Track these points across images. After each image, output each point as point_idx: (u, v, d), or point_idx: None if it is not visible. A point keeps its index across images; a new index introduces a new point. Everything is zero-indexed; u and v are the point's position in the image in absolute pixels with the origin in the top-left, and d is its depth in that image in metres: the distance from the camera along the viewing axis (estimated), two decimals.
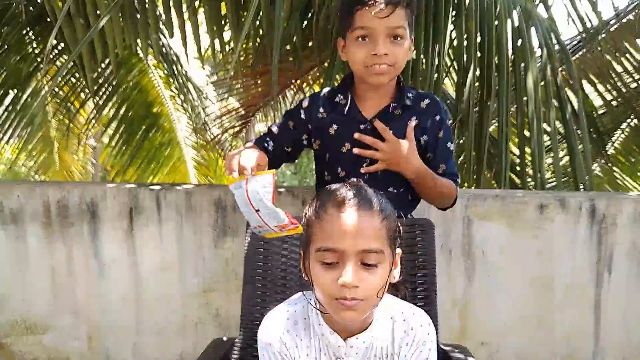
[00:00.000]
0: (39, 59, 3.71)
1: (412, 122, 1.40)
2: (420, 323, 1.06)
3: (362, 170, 1.41)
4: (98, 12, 2.42)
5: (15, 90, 4.00)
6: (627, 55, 4.02)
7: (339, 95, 1.47)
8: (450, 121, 1.51)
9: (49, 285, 2.03)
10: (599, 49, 3.90)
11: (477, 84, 2.51)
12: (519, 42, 2.50)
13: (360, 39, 1.33)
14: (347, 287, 0.91)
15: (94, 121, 4.62)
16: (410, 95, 1.44)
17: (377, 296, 0.95)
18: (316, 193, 1.04)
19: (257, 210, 1.23)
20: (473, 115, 2.45)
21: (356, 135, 1.39)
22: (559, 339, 1.98)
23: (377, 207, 0.96)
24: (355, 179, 1.06)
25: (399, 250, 1.02)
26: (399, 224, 1.02)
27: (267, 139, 1.50)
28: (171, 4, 2.46)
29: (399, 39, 1.33)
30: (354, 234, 0.93)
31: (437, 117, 1.44)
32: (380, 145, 1.37)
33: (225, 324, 2.01)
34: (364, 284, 0.93)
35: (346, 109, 1.44)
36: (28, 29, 3.51)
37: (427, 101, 1.45)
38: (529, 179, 2.90)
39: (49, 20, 3.27)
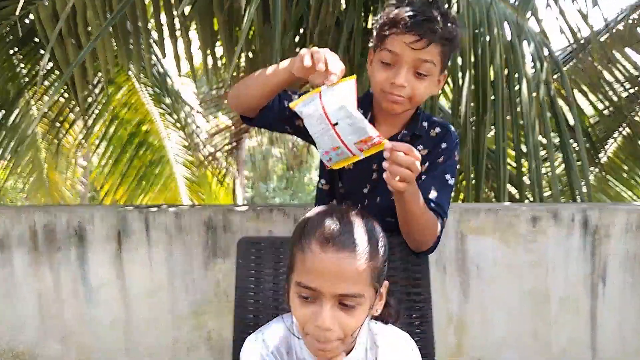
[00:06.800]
0: (27, 79, 3.69)
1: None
2: (404, 349, 1.04)
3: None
4: (89, 28, 2.42)
5: (4, 111, 3.97)
6: (618, 64, 4.07)
7: (359, 109, 1.41)
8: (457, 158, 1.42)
9: (36, 312, 2.00)
10: (590, 59, 3.93)
11: (472, 100, 2.52)
12: (512, 57, 2.52)
13: (384, 62, 1.26)
14: (321, 328, 0.90)
15: (83, 140, 4.60)
16: (424, 124, 1.38)
17: (351, 336, 0.94)
18: (305, 216, 1.00)
19: (335, 125, 1.08)
20: (470, 131, 2.46)
21: (389, 144, 1.14)
22: (556, 351, 1.96)
23: (364, 248, 0.92)
24: (351, 206, 1.01)
25: (385, 283, 1.00)
26: (387, 259, 0.99)
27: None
28: (163, 23, 2.46)
29: (423, 73, 1.24)
30: (333, 278, 0.90)
31: (443, 145, 1.37)
32: (415, 154, 1.12)
33: (217, 346, 1.97)
34: (340, 325, 0.91)
35: None
36: (16, 49, 3.50)
37: (437, 130, 1.38)
38: (527, 190, 2.91)
39: (37, 40, 3.27)
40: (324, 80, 1.10)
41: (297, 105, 1.13)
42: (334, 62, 1.11)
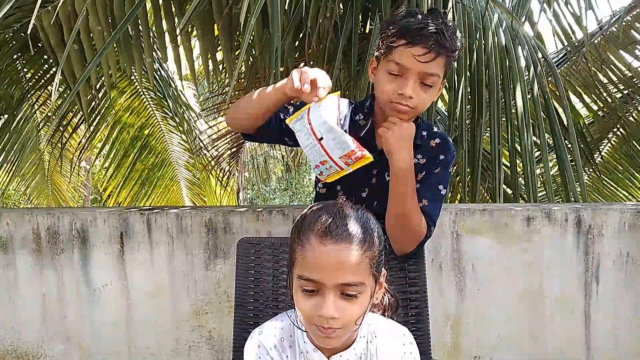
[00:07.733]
0: (31, 83, 3.73)
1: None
2: (402, 342, 1.07)
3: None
4: (91, 34, 2.45)
5: (7, 116, 4.01)
6: (612, 66, 4.10)
7: (360, 114, 1.44)
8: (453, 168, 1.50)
9: (39, 313, 2.03)
10: (584, 60, 3.96)
11: (468, 104, 2.56)
12: (507, 60, 2.55)
13: (392, 73, 1.29)
14: (326, 317, 0.93)
15: (86, 144, 4.63)
16: (424, 133, 1.42)
17: (355, 324, 0.97)
18: (302, 214, 1.04)
19: (320, 139, 1.15)
20: (466, 133, 2.49)
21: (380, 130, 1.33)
22: (551, 350, 1.99)
23: (361, 238, 0.95)
24: (346, 200, 1.05)
25: (384, 271, 1.03)
26: (384, 248, 1.02)
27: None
28: (164, 28, 2.49)
29: (429, 85, 1.29)
30: (334, 268, 0.93)
31: (441, 157, 1.41)
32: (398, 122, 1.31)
33: (218, 346, 2.00)
34: (343, 314, 0.94)
35: (363, 132, 1.40)
36: (19, 54, 3.54)
37: (437, 141, 1.42)
38: (522, 189, 2.93)
39: (40, 44, 3.30)
40: (313, 98, 1.19)
41: (291, 122, 1.21)
42: (322, 80, 1.20)
